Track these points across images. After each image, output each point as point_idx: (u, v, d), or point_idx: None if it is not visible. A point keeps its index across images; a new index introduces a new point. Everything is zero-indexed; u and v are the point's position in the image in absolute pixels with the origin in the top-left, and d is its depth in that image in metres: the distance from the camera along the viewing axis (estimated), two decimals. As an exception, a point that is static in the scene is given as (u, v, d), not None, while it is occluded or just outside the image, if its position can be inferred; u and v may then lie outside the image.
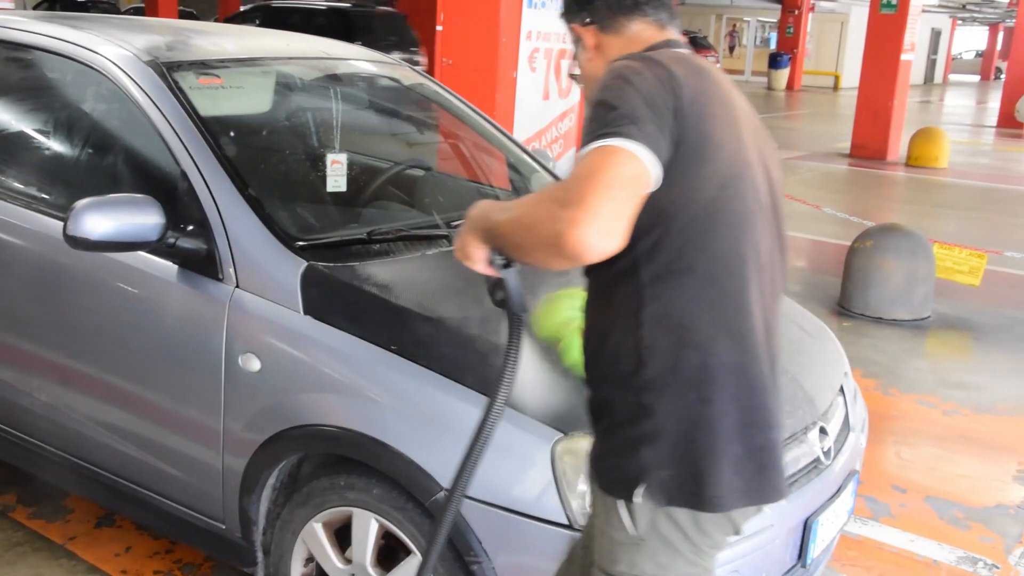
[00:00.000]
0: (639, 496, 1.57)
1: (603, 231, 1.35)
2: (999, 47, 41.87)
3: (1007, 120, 19.32)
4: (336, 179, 3.01)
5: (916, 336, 5.79)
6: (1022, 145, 17.58)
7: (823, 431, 2.47)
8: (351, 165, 3.09)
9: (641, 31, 1.72)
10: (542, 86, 6.47)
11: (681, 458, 1.56)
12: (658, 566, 1.63)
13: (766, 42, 38.95)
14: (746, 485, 1.59)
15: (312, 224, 2.79)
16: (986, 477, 3.95)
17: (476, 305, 2.45)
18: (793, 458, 2.32)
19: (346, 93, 3.58)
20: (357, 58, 3.66)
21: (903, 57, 13.65)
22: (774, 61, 29.33)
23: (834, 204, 8.76)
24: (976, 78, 42.56)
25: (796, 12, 29.26)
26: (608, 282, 1.60)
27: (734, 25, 39.11)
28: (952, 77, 42.01)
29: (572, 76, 1.87)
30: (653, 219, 1.50)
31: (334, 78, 3.49)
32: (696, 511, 1.58)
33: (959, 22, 41.27)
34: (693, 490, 1.56)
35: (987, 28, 43.27)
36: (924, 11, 15.80)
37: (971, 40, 47.02)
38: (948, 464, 4.04)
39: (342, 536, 2.37)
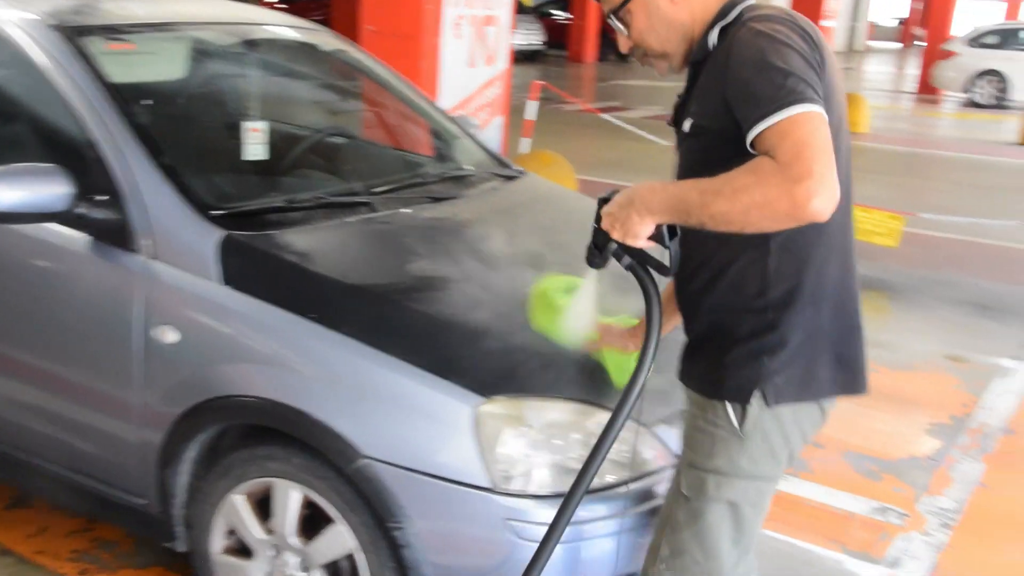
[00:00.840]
0: (755, 399, 1.78)
1: (833, 193, 1.52)
2: (919, 14, 42.73)
3: (925, 86, 19.78)
4: (255, 147, 2.96)
5: (836, 297, 5.93)
6: (940, 110, 18.06)
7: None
8: (271, 133, 3.03)
9: None
10: (467, 53, 6.43)
11: (796, 362, 1.78)
12: (751, 461, 1.83)
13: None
14: (846, 378, 1.86)
15: (230, 193, 2.74)
16: (900, 431, 4.10)
17: (396, 272, 2.45)
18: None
19: (264, 59, 3.50)
20: (275, 23, 3.58)
21: (824, 23, 13.92)
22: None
23: (758, 169, 8.85)
24: (896, 45, 43.44)
25: (722, -21, 29.45)
26: None
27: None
28: (873, 44, 42.81)
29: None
30: None
31: (251, 44, 3.42)
32: (799, 403, 1.81)
33: (880, -11, 41.97)
34: (803, 385, 1.80)
35: (907, -5, 44.08)
36: (845, -22, 16.05)
37: (891, 7, 47.89)
38: (865, 420, 4.17)
39: (266, 507, 2.35)
